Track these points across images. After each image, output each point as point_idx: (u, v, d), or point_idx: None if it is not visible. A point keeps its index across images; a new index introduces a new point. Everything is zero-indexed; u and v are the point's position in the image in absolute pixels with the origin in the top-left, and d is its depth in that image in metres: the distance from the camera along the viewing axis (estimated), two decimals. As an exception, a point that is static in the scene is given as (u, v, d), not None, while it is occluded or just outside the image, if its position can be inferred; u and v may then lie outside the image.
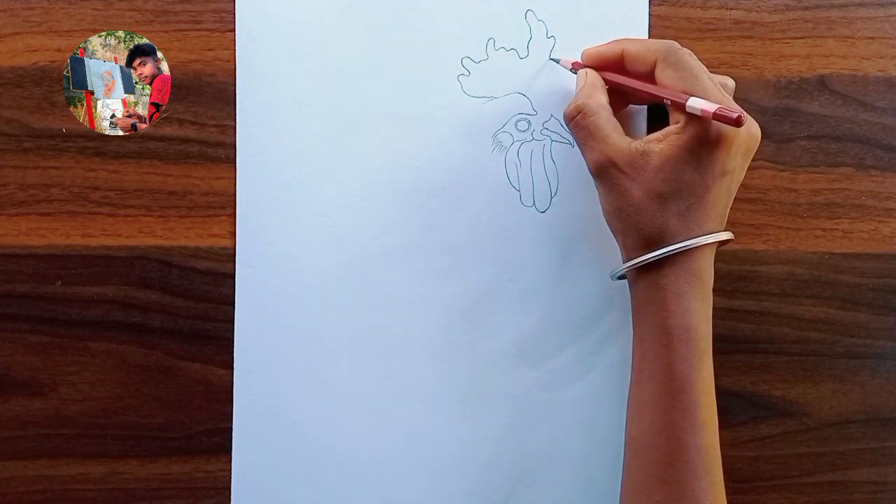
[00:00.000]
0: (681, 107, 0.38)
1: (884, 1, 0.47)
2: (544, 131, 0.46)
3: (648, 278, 0.40)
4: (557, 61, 0.45)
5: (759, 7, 0.47)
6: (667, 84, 0.40)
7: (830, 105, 0.47)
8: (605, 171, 0.40)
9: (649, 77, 0.41)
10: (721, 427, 0.39)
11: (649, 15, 0.46)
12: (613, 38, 0.44)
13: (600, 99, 0.41)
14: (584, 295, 0.46)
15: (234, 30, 0.45)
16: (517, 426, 0.46)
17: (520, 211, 0.46)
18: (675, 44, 0.41)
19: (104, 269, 0.45)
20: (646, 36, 0.46)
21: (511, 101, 0.46)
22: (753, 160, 0.46)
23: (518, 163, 0.46)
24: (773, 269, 0.47)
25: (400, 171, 0.46)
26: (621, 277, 0.42)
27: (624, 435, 0.41)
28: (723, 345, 0.41)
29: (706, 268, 0.40)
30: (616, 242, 0.42)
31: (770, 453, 0.47)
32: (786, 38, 0.47)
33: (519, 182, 0.46)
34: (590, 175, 0.41)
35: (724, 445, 0.39)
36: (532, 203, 0.46)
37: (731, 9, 0.47)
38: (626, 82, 0.42)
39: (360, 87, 0.46)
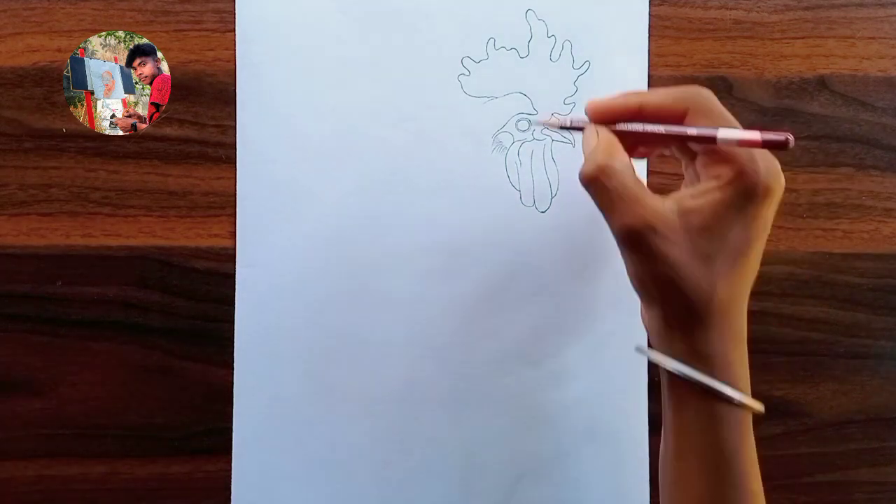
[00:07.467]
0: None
1: (884, 1, 0.47)
2: (545, 131, 0.46)
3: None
4: (568, 128, 0.41)
5: (759, 7, 0.47)
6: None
7: (830, 105, 0.47)
8: (640, 237, 0.35)
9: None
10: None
11: (649, 15, 0.46)
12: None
13: (623, 158, 0.36)
14: (584, 295, 0.46)
15: (234, 30, 0.45)
16: (517, 426, 0.46)
17: (520, 211, 0.46)
18: (704, 88, 0.37)
19: (104, 269, 0.45)
20: (645, 36, 0.46)
21: (511, 100, 0.46)
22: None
23: (518, 163, 0.46)
24: (773, 269, 0.47)
25: (400, 171, 0.46)
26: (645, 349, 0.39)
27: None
28: (723, 345, 0.41)
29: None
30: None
31: (770, 453, 0.47)
32: (786, 38, 0.47)
33: (519, 182, 0.46)
34: None
35: (725, 445, 0.39)
36: (532, 203, 0.46)
37: (731, 9, 0.47)
38: (648, 129, 0.37)
39: (360, 87, 0.46)
